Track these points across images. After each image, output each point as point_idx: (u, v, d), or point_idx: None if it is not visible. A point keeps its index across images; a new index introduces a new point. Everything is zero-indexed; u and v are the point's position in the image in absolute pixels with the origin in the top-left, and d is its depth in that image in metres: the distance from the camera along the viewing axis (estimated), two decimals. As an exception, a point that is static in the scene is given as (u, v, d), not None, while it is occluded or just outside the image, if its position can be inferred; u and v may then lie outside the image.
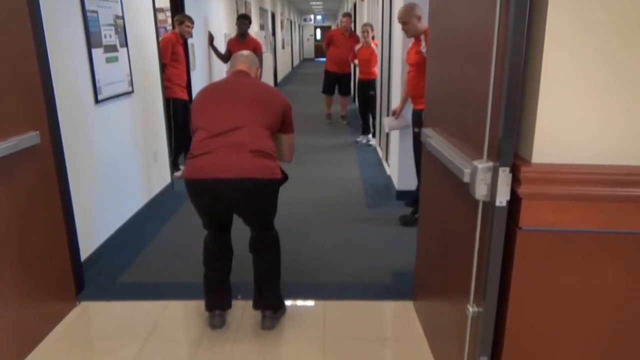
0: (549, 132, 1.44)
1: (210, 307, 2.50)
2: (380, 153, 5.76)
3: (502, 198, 1.47)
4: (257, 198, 2.33)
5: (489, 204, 1.51)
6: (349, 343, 2.37)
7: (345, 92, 7.69)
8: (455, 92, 1.87)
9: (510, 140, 1.43)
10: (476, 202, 1.56)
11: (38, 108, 2.35)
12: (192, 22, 4.93)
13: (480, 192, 1.51)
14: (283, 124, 2.45)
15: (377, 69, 6.36)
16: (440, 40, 2.09)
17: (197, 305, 2.69)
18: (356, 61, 6.71)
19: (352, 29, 7.40)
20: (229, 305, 2.56)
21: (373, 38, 6.37)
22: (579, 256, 1.49)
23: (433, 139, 2.04)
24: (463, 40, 1.77)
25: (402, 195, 4.25)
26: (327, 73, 7.53)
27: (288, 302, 2.65)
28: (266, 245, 2.47)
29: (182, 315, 2.65)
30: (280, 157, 2.51)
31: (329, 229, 3.73)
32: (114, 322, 2.57)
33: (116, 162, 3.52)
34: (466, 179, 1.56)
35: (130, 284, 2.94)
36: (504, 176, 1.45)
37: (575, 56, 1.39)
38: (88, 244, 3.07)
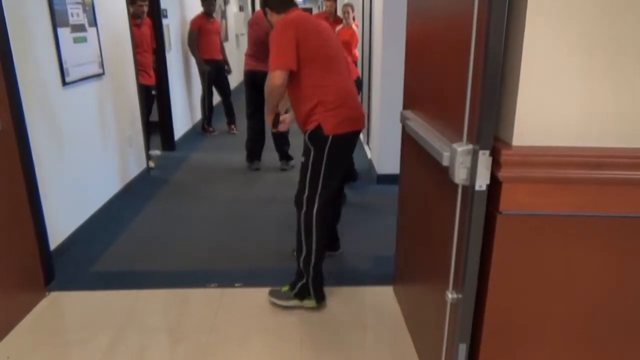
0: (529, 114, 1.39)
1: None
2: (362, 136, 5.71)
3: (482, 182, 1.42)
4: None
5: (469, 188, 1.46)
6: (327, 329, 2.33)
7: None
8: (434, 73, 1.81)
9: (490, 122, 1.38)
10: (455, 186, 1.52)
11: (-3, 90, 2.22)
12: (145, 0, 4.61)
13: (460, 175, 1.46)
14: None
15: (357, 52, 6.26)
16: (419, 22, 2.02)
17: (172, 294, 2.63)
18: (336, 43, 6.59)
19: (336, 12, 7.22)
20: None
21: (354, 19, 6.25)
22: (559, 241, 1.46)
23: (412, 121, 1.98)
24: (442, 21, 1.70)
25: (382, 179, 4.21)
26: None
27: (266, 289, 2.59)
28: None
29: (156, 304, 2.57)
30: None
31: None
32: (85, 312, 2.49)
33: (87, 147, 3.39)
34: (445, 162, 1.51)
35: (103, 273, 2.85)
36: (484, 159, 1.40)
37: (557, 37, 1.34)
38: (58, 232, 2.96)
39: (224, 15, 8.93)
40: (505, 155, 1.39)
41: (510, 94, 1.41)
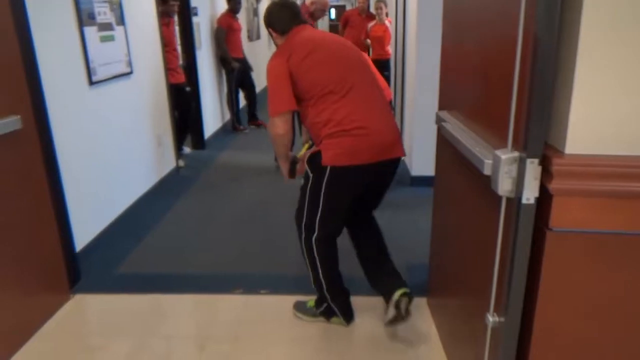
0: (585, 118, 1.22)
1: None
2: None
3: (530, 194, 1.26)
4: None
5: (514, 201, 1.30)
6: (356, 343, 2.20)
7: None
8: (474, 71, 1.65)
9: (540, 126, 1.21)
10: (498, 197, 1.35)
11: (19, 90, 2.17)
12: None
13: (504, 187, 1.30)
14: None
15: (390, 48, 6.08)
16: (457, 15, 1.85)
17: (197, 300, 2.55)
18: (369, 40, 6.41)
19: (368, 8, 7.03)
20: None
21: (387, 15, 6.06)
22: (618, 262, 1.28)
23: (448, 123, 1.82)
24: (484, 12, 1.53)
25: (416, 181, 4.03)
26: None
27: (294, 297, 2.47)
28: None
29: (181, 310, 2.50)
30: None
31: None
32: (109, 316, 2.44)
33: (115, 147, 3.36)
34: (487, 171, 1.35)
35: (129, 275, 2.80)
36: (533, 169, 1.24)
37: (618, 34, 1.16)
38: (84, 233, 2.93)
39: (255, 12, 8.88)
40: (558, 164, 1.22)
41: (564, 95, 1.24)
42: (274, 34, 2.20)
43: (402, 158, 2.28)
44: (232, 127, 6.29)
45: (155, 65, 4.07)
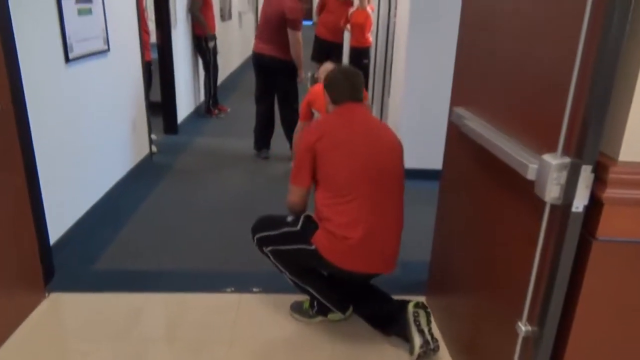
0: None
1: None
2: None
3: (580, 203, 1.20)
4: None
5: (561, 208, 1.24)
6: (356, 341, 2.13)
7: (338, 61, 7.25)
8: (508, 69, 1.57)
9: (597, 133, 1.16)
10: (541, 203, 1.29)
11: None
12: None
13: (551, 193, 1.24)
14: None
15: (370, 36, 5.98)
16: (482, 5, 1.77)
17: (183, 299, 2.40)
18: (348, 26, 6.29)
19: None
20: None
21: (369, 1, 5.95)
22: (663, 273, 1.25)
23: (471, 121, 1.75)
24: (528, 4, 1.45)
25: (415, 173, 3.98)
26: (318, 39, 6.99)
27: (288, 296, 2.37)
28: None
29: (167, 311, 2.35)
30: None
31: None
32: (87, 318, 2.25)
33: (91, 130, 3.12)
34: (531, 175, 1.28)
35: (107, 272, 2.61)
36: (586, 176, 1.18)
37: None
38: (58, 223, 2.71)
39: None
40: (613, 172, 1.17)
41: (622, 100, 1.18)
42: (327, 98, 2.16)
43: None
44: (205, 111, 6.05)
45: (131, 42, 3.81)
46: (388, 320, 2.14)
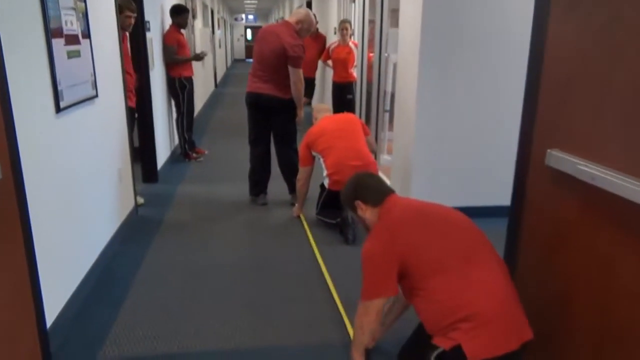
0: None
1: None
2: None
3: None
4: None
5: None
6: None
7: (309, 96, 7.08)
8: (632, 108, 1.36)
9: None
10: None
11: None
12: (134, 11, 3.85)
13: None
14: None
15: (354, 71, 5.84)
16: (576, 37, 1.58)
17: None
18: (330, 62, 6.13)
19: (317, 29, 6.74)
20: None
21: (351, 37, 5.83)
22: None
23: (587, 167, 1.51)
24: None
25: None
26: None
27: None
28: None
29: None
30: None
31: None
32: None
33: (80, 189, 2.69)
34: None
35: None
36: None
37: None
38: (53, 301, 2.24)
39: (192, 30, 8.26)
40: None
41: None
42: (363, 207, 1.95)
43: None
44: (183, 155, 5.63)
45: (115, 86, 3.42)
46: None
